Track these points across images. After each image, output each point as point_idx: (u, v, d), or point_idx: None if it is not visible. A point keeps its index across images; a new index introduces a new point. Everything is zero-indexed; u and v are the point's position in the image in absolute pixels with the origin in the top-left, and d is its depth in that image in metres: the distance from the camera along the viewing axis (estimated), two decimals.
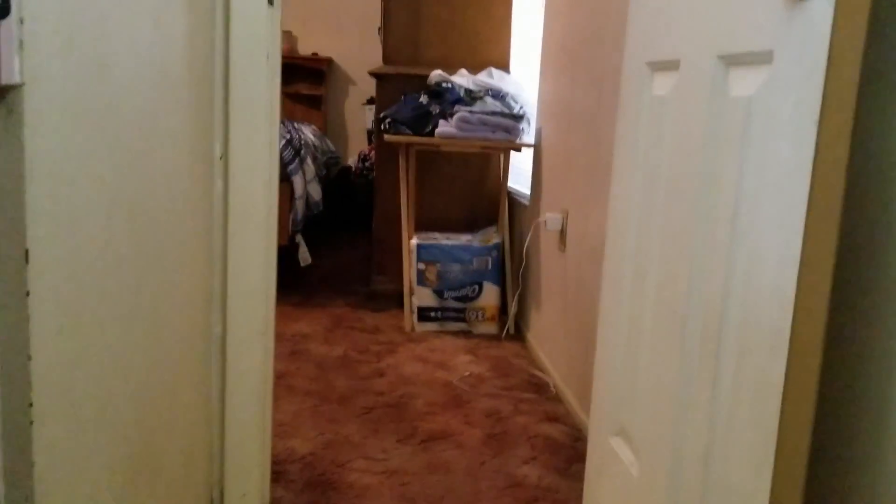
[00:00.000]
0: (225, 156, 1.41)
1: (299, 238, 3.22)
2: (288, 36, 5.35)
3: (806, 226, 0.84)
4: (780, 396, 0.90)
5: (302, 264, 3.29)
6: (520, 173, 3.37)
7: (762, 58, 0.97)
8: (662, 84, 1.26)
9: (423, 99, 2.97)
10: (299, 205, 3.15)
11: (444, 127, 2.88)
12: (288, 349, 2.74)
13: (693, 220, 1.12)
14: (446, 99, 2.94)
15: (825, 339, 0.85)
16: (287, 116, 4.84)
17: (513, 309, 3.07)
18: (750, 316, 0.97)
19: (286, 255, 3.45)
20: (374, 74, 3.24)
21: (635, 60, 1.37)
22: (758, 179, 0.96)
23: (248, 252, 1.46)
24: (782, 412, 0.90)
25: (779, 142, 0.92)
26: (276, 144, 1.49)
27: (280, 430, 2.07)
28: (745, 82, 1.01)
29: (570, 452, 2.04)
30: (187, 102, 1.18)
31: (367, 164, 4.13)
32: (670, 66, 1.23)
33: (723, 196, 1.04)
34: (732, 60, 1.04)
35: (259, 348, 1.50)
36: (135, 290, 0.94)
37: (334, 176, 4.80)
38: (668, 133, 1.22)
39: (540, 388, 2.50)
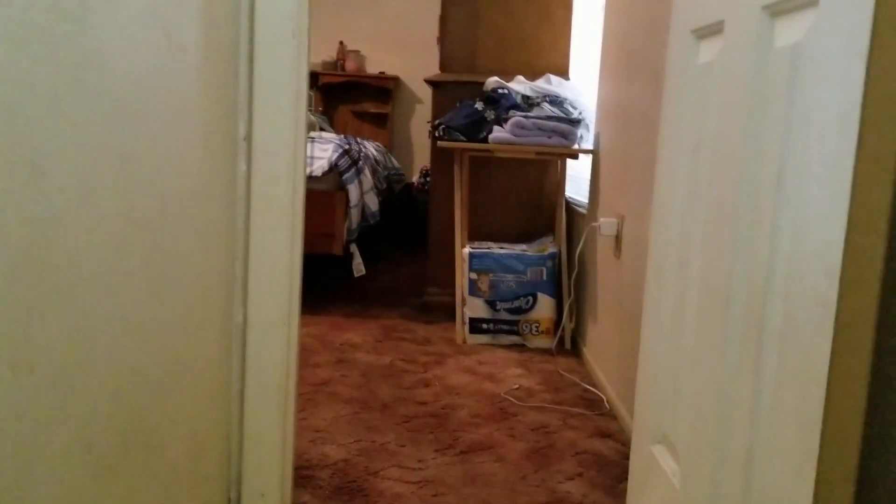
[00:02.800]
0: (249, 137, 1.38)
1: (353, 248, 3.19)
2: (356, 55, 5.43)
3: (854, 175, 0.72)
4: (825, 382, 0.77)
5: (356, 274, 3.26)
6: (579, 182, 3.25)
7: (808, 1, 0.85)
8: (708, 51, 1.15)
9: (479, 105, 2.91)
10: (354, 213, 3.13)
11: (498, 132, 2.80)
12: (335, 357, 2.69)
13: (737, 191, 1.00)
14: (502, 105, 2.86)
15: (878, 311, 0.72)
16: (354, 133, 4.88)
17: (568, 321, 2.93)
18: (794, 291, 0.84)
19: (341, 265, 3.43)
20: (429, 82, 3.20)
21: (680, 30, 1.26)
22: (804, 134, 0.84)
23: (271, 238, 1.41)
24: (828, 400, 0.76)
25: (826, 87, 0.80)
26: (304, 128, 1.45)
27: (315, 435, 2.01)
28: (790, 30, 0.90)
29: (619, 470, 1.89)
30: (203, 72, 1.15)
31: (427, 178, 4.10)
32: (715, 29, 1.12)
33: (768, 158, 0.92)
34: (777, 9, 0.93)
35: (281, 339, 1.45)
36: (118, 250, 0.90)
37: (398, 192, 4.80)
38: (713, 100, 1.11)
39: (593, 403, 2.36)
